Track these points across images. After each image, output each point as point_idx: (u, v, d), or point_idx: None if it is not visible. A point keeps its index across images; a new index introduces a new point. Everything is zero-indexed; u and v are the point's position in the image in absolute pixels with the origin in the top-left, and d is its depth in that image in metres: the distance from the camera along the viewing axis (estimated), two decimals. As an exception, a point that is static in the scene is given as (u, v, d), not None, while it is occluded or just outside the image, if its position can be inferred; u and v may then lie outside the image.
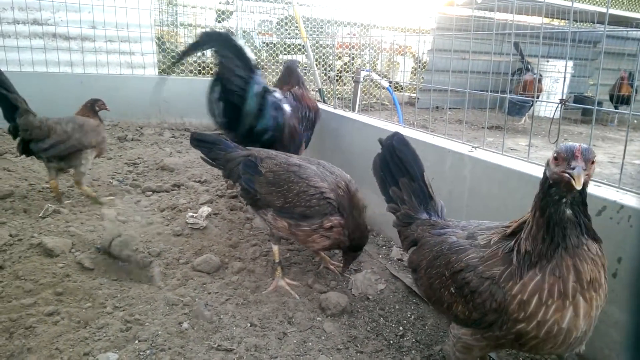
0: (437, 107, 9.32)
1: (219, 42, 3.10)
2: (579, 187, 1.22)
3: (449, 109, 8.77)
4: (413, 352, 2.04)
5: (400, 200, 1.96)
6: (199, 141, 2.78)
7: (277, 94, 3.32)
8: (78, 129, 3.24)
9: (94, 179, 3.98)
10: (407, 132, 2.99)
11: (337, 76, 8.86)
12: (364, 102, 8.80)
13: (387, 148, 2.03)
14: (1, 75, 3.12)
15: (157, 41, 7.22)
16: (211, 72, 7.12)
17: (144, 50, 6.34)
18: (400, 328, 2.22)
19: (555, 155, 1.30)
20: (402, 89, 8.41)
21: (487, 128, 7.48)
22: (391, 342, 2.11)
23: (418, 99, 9.20)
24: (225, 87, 3.08)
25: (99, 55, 6.08)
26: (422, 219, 1.90)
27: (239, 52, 3.07)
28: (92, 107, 3.49)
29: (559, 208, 1.32)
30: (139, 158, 4.66)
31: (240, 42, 3.14)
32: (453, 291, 1.55)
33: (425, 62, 10.01)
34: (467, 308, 1.50)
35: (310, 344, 2.03)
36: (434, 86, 7.97)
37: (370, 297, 2.44)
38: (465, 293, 1.49)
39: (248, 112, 3.11)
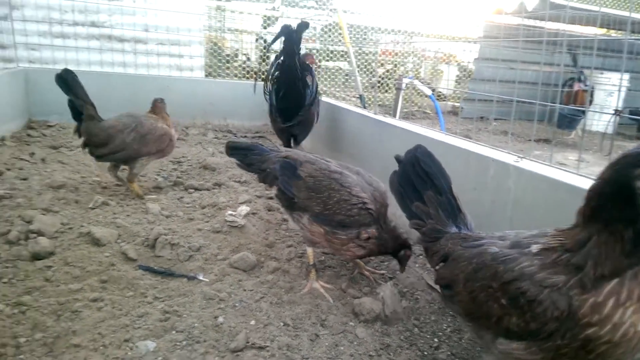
0: (482, 118, 9.11)
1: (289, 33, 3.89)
2: None
3: (495, 119, 8.55)
4: (447, 363, 2.00)
5: (425, 215, 1.91)
6: (233, 149, 2.85)
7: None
8: (139, 139, 3.30)
9: (140, 174, 4.13)
10: (448, 139, 2.95)
11: (379, 83, 8.83)
12: (405, 109, 8.73)
13: (409, 161, 1.98)
14: (74, 80, 3.28)
15: (213, 45, 7.45)
16: (254, 76, 7.27)
17: (192, 54, 6.55)
18: (435, 340, 2.18)
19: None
20: (445, 97, 8.31)
21: (535, 141, 7.24)
22: (425, 353, 2.07)
23: (462, 108, 9.03)
24: (284, 69, 3.95)
25: (150, 57, 6.33)
26: (451, 233, 1.84)
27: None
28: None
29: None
30: (183, 157, 4.81)
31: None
32: (504, 303, 1.48)
33: (471, 71, 9.83)
34: (523, 319, 1.43)
35: (342, 347, 2.02)
36: (479, 93, 7.79)
37: (401, 309, 2.40)
38: (521, 303, 1.42)
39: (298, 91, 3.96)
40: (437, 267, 1.87)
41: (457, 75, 10.74)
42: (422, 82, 8.19)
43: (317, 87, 4.19)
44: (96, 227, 2.79)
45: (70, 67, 5.83)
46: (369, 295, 2.46)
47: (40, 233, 2.69)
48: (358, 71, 8.68)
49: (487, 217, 2.45)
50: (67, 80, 3.24)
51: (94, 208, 3.18)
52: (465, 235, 1.80)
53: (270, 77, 4.15)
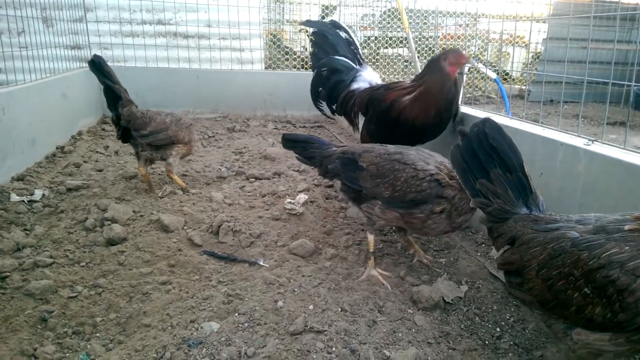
0: (552, 101, 8.58)
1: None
2: None
3: (565, 102, 8.03)
4: (510, 354, 1.93)
5: (492, 193, 1.79)
6: (292, 142, 2.81)
7: (364, 75, 3.77)
8: (176, 122, 3.42)
9: (205, 165, 4.32)
10: (513, 123, 2.81)
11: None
12: (468, 94, 8.41)
13: (475, 136, 1.84)
14: (107, 67, 3.27)
15: (272, 37, 7.58)
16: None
17: (252, 47, 6.70)
18: (497, 329, 2.11)
19: None
20: (512, 80, 7.90)
21: (610, 124, 6.74)
22: (486, 342, 2.01)
23: (529, 91, 8.56)
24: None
25: (213, 52, 6.55)
26: (521, 214, 1.74)
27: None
28: None
29: None
30: (244, 147, 4.95)
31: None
32: (588, 292, 1.39)
33: (539, 52, 9.28)
34: (610, 310, 1.34)
35: (399, 334, 2.01)
36: (548, 74, 7.34)
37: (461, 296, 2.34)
38: (610, 293, 1.34)
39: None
40: (503, 251, 1.78)
41: (525, 57, 10.19)
42: (485, 66, 7.85)
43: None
44: (165, 215, 2.96)
45: (139, 64, 6.23)
46: (427, 283, 2.43)
47: (114, 220, 2.89)
48: (419, 57, 8.48)
49: (555, 204, 2.31)
50: (100, 65, 3.24)
51: (163, 197, 3.36)
52: (536, 217, 1.69)
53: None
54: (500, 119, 2.94)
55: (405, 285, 2.40)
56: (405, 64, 8.98)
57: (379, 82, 3.73)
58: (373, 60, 8.36)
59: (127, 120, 3.25)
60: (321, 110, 4.08)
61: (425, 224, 2.29)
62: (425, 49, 9.18)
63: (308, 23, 4.62)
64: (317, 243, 2.75)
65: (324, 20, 4.90)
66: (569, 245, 1.47)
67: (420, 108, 3.03)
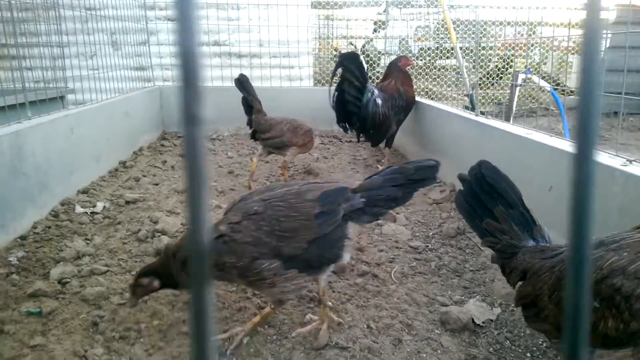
0: (615, 113, 8.11)
1: (349, 59, 4.59)
2: None
3: (630, 114, 7.58)
4: (537, 381, 1.89)
5: (498, 231, 1.82)
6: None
7: (375, 92, 4.70)
8: (292, 130, 4.10)
9: (253, 179, 4.51)
10: (551, 141, 2.74)
11: (488, 81, 8.36)
12: (524, 107, 8.13)
13: (474, 178, 1.90)
14: (247, 84, 4.17)
15: (321, 54, 7.78)
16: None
17: (301, 64, 6.90)
18: (528, 354, 2.07)
19: None
20: (571, 92, 7.56)
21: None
22: (514, 367, 1.98)
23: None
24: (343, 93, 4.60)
25: (264, 70, 6.82)
26: (528, 247, 1.74)
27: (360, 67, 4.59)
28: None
29: None
30: (291, 162, 5.10)
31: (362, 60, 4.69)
32: (597, 305, 1.37)
33: (601, 61, 8.82)
34: (621, 319, 1.31)
35: (424, 355, 2.03)
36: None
37: (494, 319, 2.31)
38: (617, 302, 1.31)
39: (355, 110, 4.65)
40: (517, 286, 1.78)
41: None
42: (542, 77, 7.57)
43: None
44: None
45: (196, 84, 6.60)
46: (459, 304, 2.41)
47: (163, 232, 3.11)
48: (476, 67, 8.35)
49: (592, 226, 2.24)
50: (242, 82, 4.15)
51: (209, 211, 3.55)
52: (543, 248, 1.70)
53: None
54: (538, 136, 2.87)
55: (435, 305, 2.41)
56: (456, 75, 8.85)
57: (377, 91, 4.77)
58: (427, 71, 8.31)
59: (256, 124, 4.12)
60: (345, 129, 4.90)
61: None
62: (484, 59, 9.01)
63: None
64: (350, 259, 2.81)
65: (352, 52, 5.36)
66: None
67: (409, 85, 4.82)
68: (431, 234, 3.26)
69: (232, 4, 6.75)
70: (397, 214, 3.52)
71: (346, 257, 2.07)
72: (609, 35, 8.10)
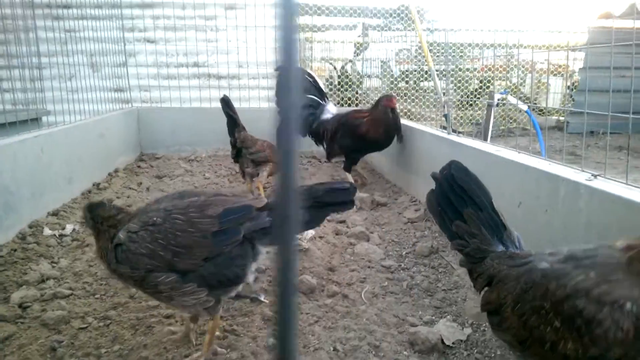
0: (592, 132, 8.27)
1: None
2: None
3: (607, 133, 7.73)
4: (505, 402, 1.85)
5: (468, 234, 1.79)
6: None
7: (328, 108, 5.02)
8: (269, 145, 4.40)
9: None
10: (520, 158, 2.76)
11: (467, 102, 8.50)
12: (502, 127, 8.26)
13: (445, 179, 1.88)
14: (231, 104, 4.33)
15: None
16: (349, 103, 7.48)
17: (281, 85, 6.95)
18: (498, 375, 2.03)
19: None
20: (547, 112, 7.72)
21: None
22: (482, 388, 1.94)
23: (567, 122, 8.32)
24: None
25: (243, 90, 6.84)
26: (497, 252, 1.71)
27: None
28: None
29: None
30: (267, 183, 5.06)
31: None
32: (558, 325, 1.32)
33: (576, 82, 9.04)
34: (580, 343, 1.26)
35: (391, 376, 1.97)
36: (570, 109, 7.11)
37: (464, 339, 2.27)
38: (578, 325, 1.26)
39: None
40: (483, 292, 1.75)
41: (566, 87, 9.94)
42: (519, 98, 7.71)
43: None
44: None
45: (174, 105, 6.59)
46: (429, 324, 2.37)
47: (131, 254, 3.03)
48: (456, 89, 8.51)
49: (559, 241, 2.24)
50: (227, 102, 4.33)
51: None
52: (512, 254, 1.66)
53: None
54: (509, 154, 2.90)
55: (405, 326, 2.36)
56: (435, 96, 8.98)
57: (339, 112, 5.01)
58: (409, 94, 8.40)
59: (242, 141, 4.28)
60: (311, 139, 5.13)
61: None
62: (462, 81, 9.17)
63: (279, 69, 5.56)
64: (320, 279, 2.77)
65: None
66: (538, 276, 1.43)
67: (373, 127, 4.60)
68: (405, 253, 3.23)
69: (211, 26, 6.80)
70: (371, 233, 3.49)
71: (250, 278, 2.03)
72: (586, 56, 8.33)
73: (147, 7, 6.87)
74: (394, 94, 4.77)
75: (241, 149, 4.32)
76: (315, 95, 4.98)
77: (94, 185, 4.80)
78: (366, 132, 4.62)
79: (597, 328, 1.21)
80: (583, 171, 2.29)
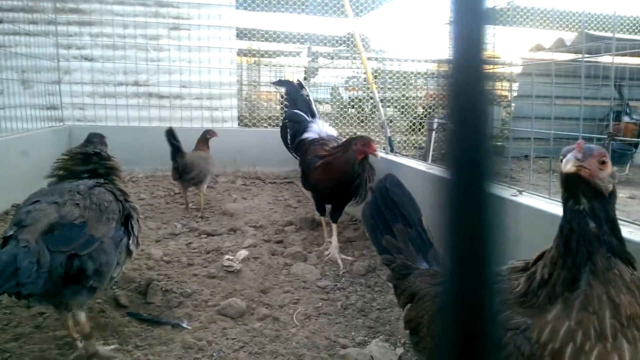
0: (526, 156, 8.67)
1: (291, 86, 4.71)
2: (566, 169, 1.09)
3: (538, 157, 8.14)
4: None
5: (395, 249, 1.75)
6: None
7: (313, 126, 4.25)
8: (206, 162, 4.62)
9: (163, 222, 4.22)
10: (440, 171, 2.78)
11: (410, 127, 8.75)
12: (443, 150, 8.50)
13: (379, 192, 1.85)
14: (175, 133, 4.46)
15: (247, 97, 7.76)
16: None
17: (225, 106, 6.82)
18: (429, 396, 1.94)
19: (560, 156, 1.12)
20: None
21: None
22: (412, 410, 1.85)
23: (503, 147, 8.68)
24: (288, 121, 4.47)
25: (186, 111, 6.65)
26: (420, 269, 1.67)
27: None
28: (204, 137, 5.00)
29: (578, 219, 1.11)
30: (207, 203, 4.88)
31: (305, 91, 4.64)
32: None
33: (511, 110, 9.51)
34: None
35: (317, 403, 1.85)
36: (521, 129, 7.47)
37: None
38: None
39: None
40: (405, 309, 1.68)
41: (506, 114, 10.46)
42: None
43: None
44: (96, 274, 2.82)
45: (111, 123, 6.30)
46: (362, 345, 2.28)
47: (43, 279, 2.75)
48: (403, 116, 8.73)
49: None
50: (173, 133, 4.47)
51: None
52: (435, 272, 1.62)
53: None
54: (438, 170, 2.91)
55: (336, 348, 2.25)
56: (380, 121, 9.16)
57: (330, 133, 4.17)
58: (358, 120, 8.50)
59: (183, 167, 4.44)
60: (296, 158, 4.44)
61: None
62: (407, 108, 9.41)
63: (279, 82, 5.41)
64: (251, 302, 2.62)
65: (289, 80, 5.21)
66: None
67: (324, 174, 3.45)
68: (341, 272, 3.15)
69: (154, 45, 6.62)
70: (309, 252, 3.39)
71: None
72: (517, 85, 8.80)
73: (84, 25, 6.60)
74: (372, 139, 3.37)
75: (182, 173, 4.51)
76: (302, 111, 4.42)
77: (13, 206, 4.42)
78: (316, 180, 3.54)
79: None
80: (510, 187, 2.32)
